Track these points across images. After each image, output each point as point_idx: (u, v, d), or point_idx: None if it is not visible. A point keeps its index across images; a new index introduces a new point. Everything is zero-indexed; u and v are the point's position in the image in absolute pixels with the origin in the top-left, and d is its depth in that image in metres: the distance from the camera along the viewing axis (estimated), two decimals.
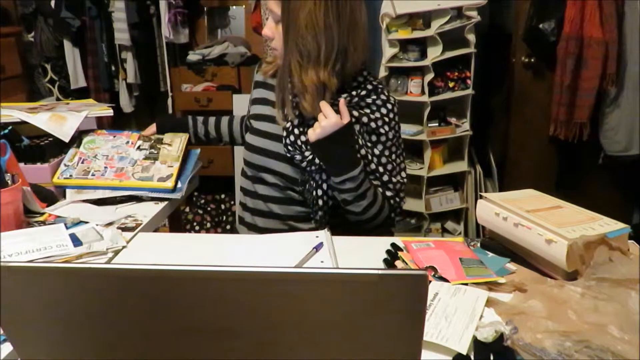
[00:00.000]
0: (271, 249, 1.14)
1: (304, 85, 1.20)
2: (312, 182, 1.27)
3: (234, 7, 3.24)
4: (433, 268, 0.99)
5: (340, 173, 1.20)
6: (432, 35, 2.35)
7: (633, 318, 0.80)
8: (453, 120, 2.58)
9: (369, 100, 1.26)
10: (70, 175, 1.41)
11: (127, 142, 1.51)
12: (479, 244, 1.13)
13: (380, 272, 0.49)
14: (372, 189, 1.24)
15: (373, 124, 1.25)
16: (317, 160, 1.23)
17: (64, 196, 1.41)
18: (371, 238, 1.19)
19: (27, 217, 1.26)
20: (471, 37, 2.39)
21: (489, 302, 0.89)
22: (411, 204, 2.61)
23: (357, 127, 1.25)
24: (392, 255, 1.07)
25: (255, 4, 2.90)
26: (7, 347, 0.81)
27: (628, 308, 0.82)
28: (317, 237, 1.16)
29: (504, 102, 2.83)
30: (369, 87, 1.27)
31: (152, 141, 1.51)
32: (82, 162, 1.44)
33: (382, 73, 2.48)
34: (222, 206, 3.23)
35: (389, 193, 1.27)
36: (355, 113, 1.24)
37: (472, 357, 0.77)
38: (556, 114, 2.53)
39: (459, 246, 1.09)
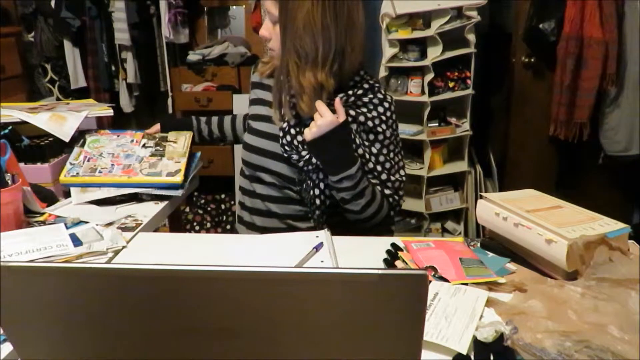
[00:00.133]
0: (271, 249, 1.14)
1: (301, 86, 1.20)
2: (309, 182, 1.27)
3: (234, 7, 3.24)
4: (433, 268, 0.99)
5: (337, 172, 1.20)
6: (432, 35, 2.35)
7: (633, 318, 0.80)
8: (453, 120, 2.58)
9: (365, 99, 1.26)
10: (77, 173, 1.41)
11: (132, 141, 1.51)
12: (479, 244, 1.13)
13: (380, 272, 0.49)
14: (370, 187, 1.24)
15: (370, 123, 1.25)
16: (314, 160, 1.23)
17: (65, 196, 1.41)
18: (371, 238, 1.19)
19: (27, 217, 1.26)
20: (471, 37, 2.39)
21: (489, 302, 0.89)
22: (411, 204, 2.61)
23: (354, 126, 1.24)
24: (392, 255, 1.08)
25: (255, 4, 2.90)
26: (7, 347, 0.81)
27: (628, 308, 0.82)
28: (317, 237, 1.16)
29: (504, 102, 2.83)
30: (366, 86, 1.27)
31: (157, 139, 1.51)
32: (88, 161, 1.44)
33: (382, 73, 2.48)
34: (222, 206, 3.23)
35: (387, 191, 1.27)
36: (352, 112, 1.24)
37: (472, 357, 0.77)
38: (556, 114, 2.53)
39: (459, 246, 1.09)
